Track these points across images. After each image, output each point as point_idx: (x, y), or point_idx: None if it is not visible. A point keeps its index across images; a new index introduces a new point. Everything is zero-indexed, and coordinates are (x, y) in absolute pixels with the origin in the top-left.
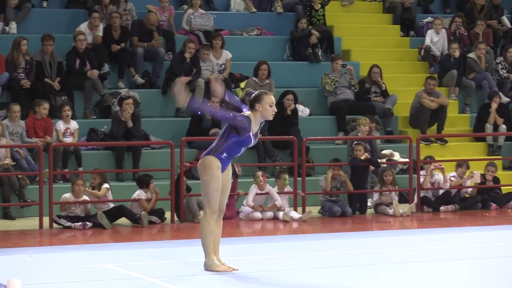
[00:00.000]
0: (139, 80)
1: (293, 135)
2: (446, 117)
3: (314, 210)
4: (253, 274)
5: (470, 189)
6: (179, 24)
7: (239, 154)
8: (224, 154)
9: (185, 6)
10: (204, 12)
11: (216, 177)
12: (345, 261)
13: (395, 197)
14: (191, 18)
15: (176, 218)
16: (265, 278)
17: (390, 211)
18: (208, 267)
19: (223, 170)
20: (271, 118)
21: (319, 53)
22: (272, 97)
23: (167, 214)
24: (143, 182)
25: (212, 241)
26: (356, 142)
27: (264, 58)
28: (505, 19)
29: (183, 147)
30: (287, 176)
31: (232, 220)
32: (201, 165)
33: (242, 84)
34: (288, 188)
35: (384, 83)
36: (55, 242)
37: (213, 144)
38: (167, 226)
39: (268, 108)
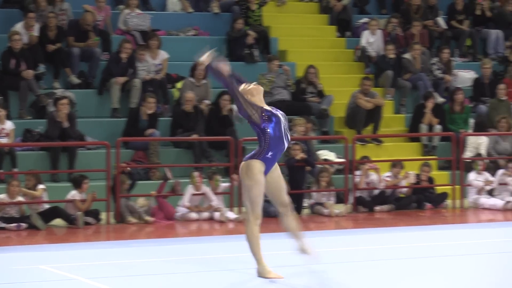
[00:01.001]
0: (75, 80)
1: (229, 135)
2: (381, 118)
3: None
4: (188, 275)
5: (405, 189)
6: (115, 24)
7: (285, 145)
8: (270, 153)
9: (122, 6)
10: (140, 12)
11: (259, 182)
12: (281, 261)
13: (330, 198)
14: (127, 18)
15: (112, 219)
16: (200, 279)
17: (326, 211)
18: (260, 274)
19: (269, 169)
20: None
21: (256, 53)
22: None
23: (103, 215)
24: (77, 183)
25: (260, 248)
26: (292, 142)
27: None
28: (440, 20)
29: (119, 147)
30: (219, 177)
31: (168, 221)
32: (243, 170)
33: (179, 85)
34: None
35: (320, 84)
36: None
37: (257, 149)
38: (102, 227)
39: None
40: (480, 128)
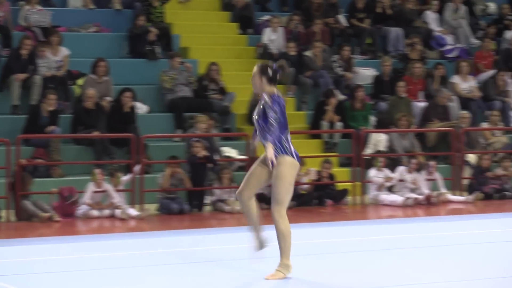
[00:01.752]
0: None
1: (131, 132)
2: None
3: (152, 208)
4: (89, 272)
5: (306, 186)
6: (16, 20)
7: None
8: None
9: (22, 2)
10: (41, 8)
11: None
12: (182, 258)
13: (232, 195)
14: (28, 14)
15: (12, 217)
16: (101, 276)
17: (228, 208)
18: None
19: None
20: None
21: (158, 50)
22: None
23: (3, 213)
24: None
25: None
26: (194, 139)
27: (102, 55)
28: (341, 17)
29: (19, 144)
30: (121, 174)
31: (69, 219)
32: (286, 164)
33: (80, 81)
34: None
35: (222, 81)
36: None
37: (283, 145)
38: (2, 225)
39: None
40: (381, 125)
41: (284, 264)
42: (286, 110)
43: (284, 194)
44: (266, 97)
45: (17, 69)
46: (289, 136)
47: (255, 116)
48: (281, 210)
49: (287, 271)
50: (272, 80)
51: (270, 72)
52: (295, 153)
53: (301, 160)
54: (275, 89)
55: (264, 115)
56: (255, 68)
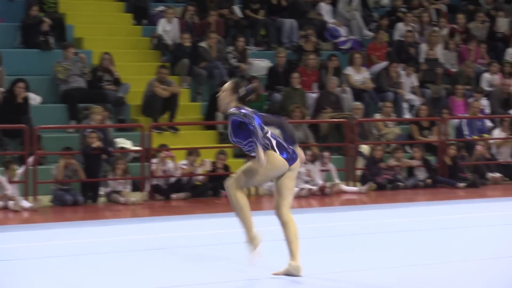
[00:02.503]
0: None
1: (24, 123)
2: (178, 106)
3: (46, 199)
4: None
5: (201, 177)
6: None
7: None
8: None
9: None
10: None
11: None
12: (75, 250)
13: (127, 186)
14: None
15: None
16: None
17: (122, 200)
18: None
19: None
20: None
21: (51, 40)
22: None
23: None
24: None
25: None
26: (89, 130)
27: None
28: (236, 8)
29: None
30: (15, 166)
31: None
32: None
33: None
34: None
35: (116, 72)
36: None
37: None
38: None
39: None
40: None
41: (250, 238)
42: (181, 102)
43: (249, 177)
44: (233, 111)
45: None
46: (269, 133)
47: (230, 137)
48: (235, 185)
49: (254, 244)
50: (241, 100)
51: (242, 91)
52: (283, 148)
53: (289, 156)
54: (240, 108)
55: (235, 132)
56: (228, 84)
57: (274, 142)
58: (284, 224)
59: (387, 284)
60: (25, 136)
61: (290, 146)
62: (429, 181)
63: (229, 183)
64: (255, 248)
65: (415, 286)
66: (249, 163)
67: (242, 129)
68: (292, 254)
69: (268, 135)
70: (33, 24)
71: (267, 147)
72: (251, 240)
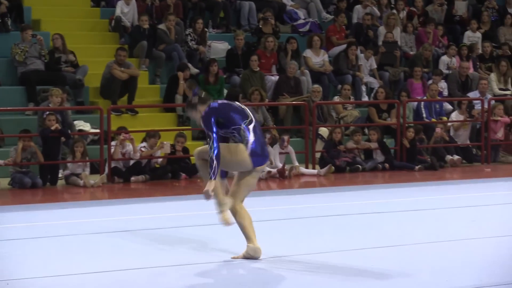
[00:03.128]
0: None
1: None
2: (136, 88)
3: (4, 182)
4: None
5: (160, 159)
6: None
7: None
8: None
9: None
10: None
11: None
12: (38, 233)
13: (85, 168)
14: None
15: None
16: None
17: (81, 182)
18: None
19: None
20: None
21: (9, 22)
22: None
23: None
24: None
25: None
26: (48, 112)
27: None
28: None
29: None
30: None
31: None
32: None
33: None
34: None
35: (73, 53)
36: None
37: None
38: None
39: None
40: (233, 99)
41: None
42: (139, 84)
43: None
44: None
45: None
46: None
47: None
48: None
49: (226, 207)
50: (201, 102)
51: (195, 99)
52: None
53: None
54: (205, 106)
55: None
56: (188, 109)
57: (251, 140)
58: (235, 213)
59: (343, 265)
60: None
61: (264, 145)
62: (387, 165)
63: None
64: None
65: (372, 268)
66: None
67: (218, 123)
68: (248, 237)
69: (251, 126)
70: None
71: (235, 140)
72: (223, 202)
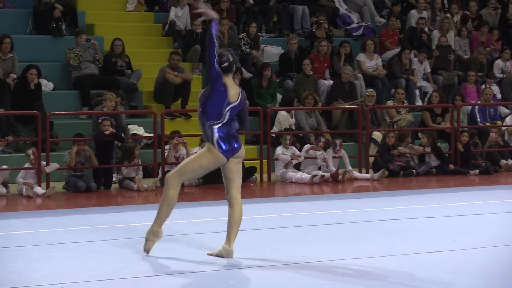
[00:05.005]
0: None
1: (36, 109)
2: (190, 92)
3: (59, 186)
4: None
5: None
6: None
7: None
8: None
9: None
10: None
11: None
12: (89, 236)
13: (139, 172)
14: None
15: None
16: (6, 255)
17: (135, 186)
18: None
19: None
20: None
21: (63, 27)
22: None
23: None
24: None
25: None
26: (103, 117)
27: (7, 31)
28: None
29: None
30: (30, 152)
31: None
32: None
33: None
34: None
35: (128, 56)
36: None
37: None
38: None
39: None
40: (288, 104)
41: (154, 231)
42: (193, 88)
43: (189, 169)
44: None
45: None
46: (217, 126)
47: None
48: (177, 177)
49: (156, 237)
50: (224, 69)
51: (226, 65)
52: (225, 141)
53: (229, 147)
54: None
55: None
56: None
57: (216, 136)
58: (230, 207)
59: (396, 270)
60: (37, 122)
61: (235, 132)
62: (451, 166)
63: (171, 175)
64: (154, 241)
65: (425, 273)
66: (188, 160)
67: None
68: (228, 237)
69: (215, 126)
70: (45, 11)
71: (207, 139)
72: (155, 233)
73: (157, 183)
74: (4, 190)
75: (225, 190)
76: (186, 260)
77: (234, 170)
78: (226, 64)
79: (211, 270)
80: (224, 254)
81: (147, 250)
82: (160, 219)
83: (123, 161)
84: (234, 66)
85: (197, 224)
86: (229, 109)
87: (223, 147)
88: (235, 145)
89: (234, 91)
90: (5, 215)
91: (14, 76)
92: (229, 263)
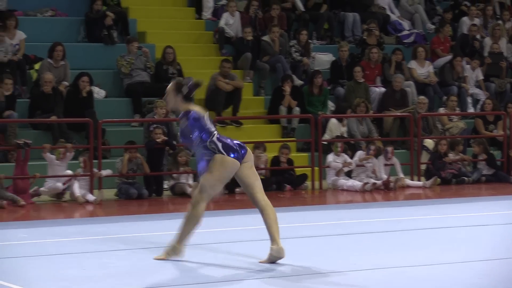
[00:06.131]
0: None
1: (88, 117)
2: (241, 100)
3: (111, 193)
4: (48, 257)
5: (264, 171)
6: None
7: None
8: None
9: None
10: None
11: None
12: (141, 243)
13: (189, 179)
14: None
15: None
16: (59, 262)
17: (189, 190)
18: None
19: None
20: None
21: (115, 35)
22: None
23: None
24: None
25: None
26: (155, 126)
27: (59, 39)
28: (297, 2)
29: None
30: (81, 159)
31: (32, 203)
32: (216, 162)
33: (37, 66)
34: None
35: (179, 64)
36: None
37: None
38: None
39: None
40: (342, 113)
41: (175, 248)
42: (244, 96)
43: (209, 187)
44: (182, 121)
45: None
46: (216, 136)
47: (179, 139)
48: (201, 197)
49: (175, 255)
50: (187, 98)
51: (185, 89)
52: (230, 149)
53: (237, 153)
54: (190, 106)
55: (184, 135)
56: (170, 85)
57: (220, 145)
58: (261, 211)
59: (449, 279)
60: (89, 129)
61: (236, 142)
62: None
63: (200, 198)
64: (173, 256)
65: (478, 281)
66: (204, 177)
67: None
68: (272, 238)
69: (214, 138)
70: (97, 18)
71: (214, 151)
72: (176, 250)
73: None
74: (60, 185)
75: (250, 199)
76: (239, 267)
77: (250, 175)
78: (186, 91)
79: (262, 277)
80: (275, 254)
81: (157, 258)
82: (183, 237)
83: (172, 168)
84: (190, 88)
85: (250, 231)
86: (207, 120)
87: (231, 154)
88: (242, 152)
89: (197, 107)
90: (59, 222)
91: (66, 83)
92: (280, 272)
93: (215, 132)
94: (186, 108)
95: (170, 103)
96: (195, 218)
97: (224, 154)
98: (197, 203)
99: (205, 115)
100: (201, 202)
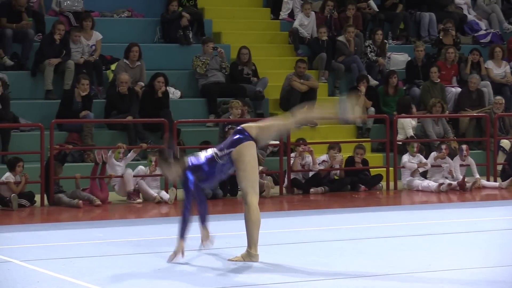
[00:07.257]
0: (8, 62)
1: (164, 117)
2: (316, 100)
3: None
4: (125, 257)
5: (339, 171)
6: (49, 5)
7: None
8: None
9: None
10: None
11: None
12: (216, 243)
13: (269, 179)
14: None
15: (46, 201)
16: (136, 262)
17: (264, 192)
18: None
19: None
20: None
21: (190, 35)
22: None
23: (37, 197)
24: (11, 165)
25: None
26: (229, 125)
27: (135, 40)
28: (372, 3)
29: (53, 129)
30: (153, 158)
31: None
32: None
33: (113, 66)
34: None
35: (254, 64)
36: None
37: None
38: (36, 209)
39: None
40: (405, 108)
41: (252, 255)
42: (319, 96)
43: (252, 178)
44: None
45: (50, 54)
46: (214, 151)
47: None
48: (253, 194)
49: (250, 260)
50: (175, 159)
51: (170, 156)
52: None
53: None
54: (184, 163)
55: (206, 180)
56: (158, 163)
57: (223, 148)
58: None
59: None
60: (165, 130)
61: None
62: None
63: (248, 197)
64: (249, 261)
65: None
66: (238, 176)
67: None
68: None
69: (213, 152)
70: (173, 19)
71: (226, 155)
72: (252, 256)
73: (283, 191)
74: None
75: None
76: (311, 267)
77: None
78: (171, 154)
79: (337, 278)
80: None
81: (232, 260)
82: (254, 241)
83: None
84: (170, 148)
85: (323, 232)
86: (196, 159)
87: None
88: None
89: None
90: (134, 221)
91: (142, 84)
92: (355, 272)
93: (207, 151)
94: (183, 166)
95: (172, 175)
96: (258, 221)
97: (243, 139)
98: (253, 205)
99: (192, 158)
100: (256, 203)
